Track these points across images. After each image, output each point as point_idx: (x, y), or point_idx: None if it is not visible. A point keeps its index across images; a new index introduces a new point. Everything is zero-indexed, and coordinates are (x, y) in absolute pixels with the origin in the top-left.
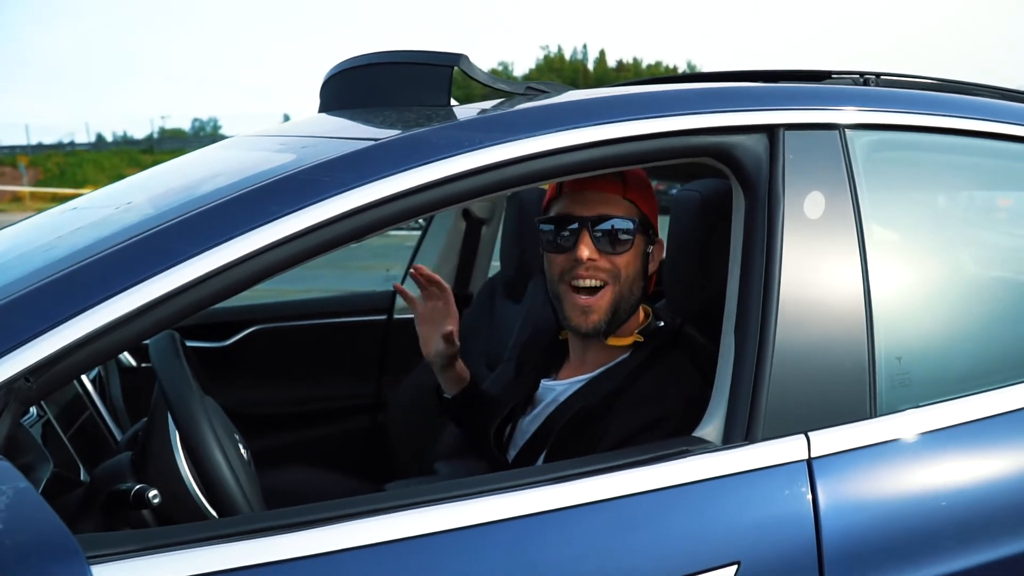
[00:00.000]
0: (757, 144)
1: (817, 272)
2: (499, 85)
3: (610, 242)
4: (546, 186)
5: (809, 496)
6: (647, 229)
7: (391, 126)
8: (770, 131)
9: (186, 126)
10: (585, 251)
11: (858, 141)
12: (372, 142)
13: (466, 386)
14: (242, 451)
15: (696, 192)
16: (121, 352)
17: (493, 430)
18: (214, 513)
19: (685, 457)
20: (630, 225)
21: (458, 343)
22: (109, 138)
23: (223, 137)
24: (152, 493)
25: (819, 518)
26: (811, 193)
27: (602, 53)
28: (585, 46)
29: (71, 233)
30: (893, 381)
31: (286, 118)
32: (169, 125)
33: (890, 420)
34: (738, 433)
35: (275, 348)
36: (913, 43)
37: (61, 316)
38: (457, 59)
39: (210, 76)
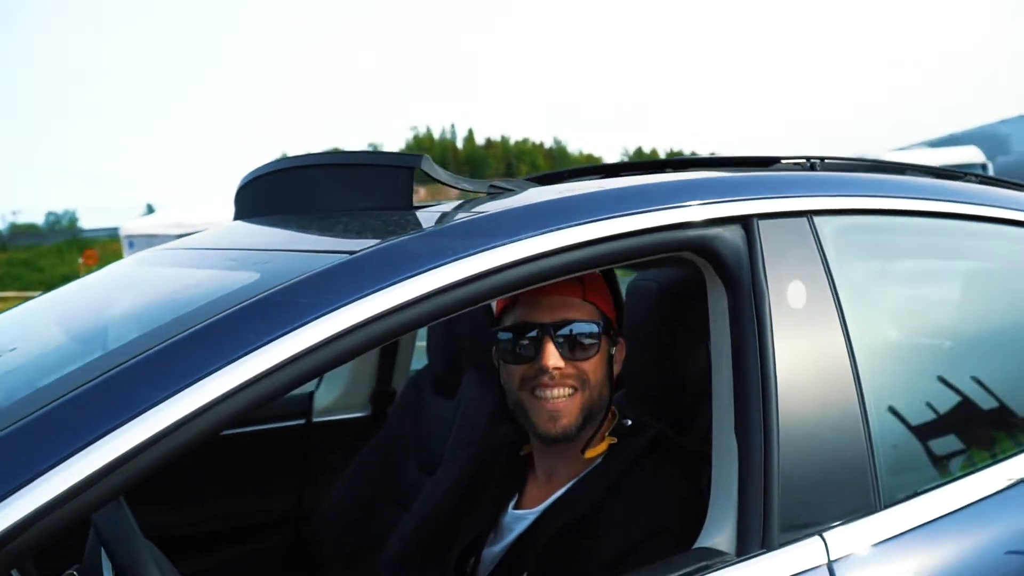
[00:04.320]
0: (735, 236)
1: (808, 363)
2: (463, 185)
3: (574, 348)
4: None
5: None
6: (609, 330)
7: (358, 235)
8: (745, 222)
9: (40, 220)
10: (550, 359)
11: (826, 227)
12: (348, 255)
13: None
14: None
15: (653, 282)
16: (76, 525)
17: (455, 560)
18: None
19: (707, 573)
20: (594, 328)
21: None
22: None
23: (81, 231)
24: None
25: None
26: (792, 282)
27: (471, 132)
28: (453, 125)
29: None
30: (892, 468)
31: (149, 209)
32: (21, 220)
33: (897, 511)
34: (754, 541)
35: (183, 463)
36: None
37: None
38: (418, 160)
39: (63, 168)
